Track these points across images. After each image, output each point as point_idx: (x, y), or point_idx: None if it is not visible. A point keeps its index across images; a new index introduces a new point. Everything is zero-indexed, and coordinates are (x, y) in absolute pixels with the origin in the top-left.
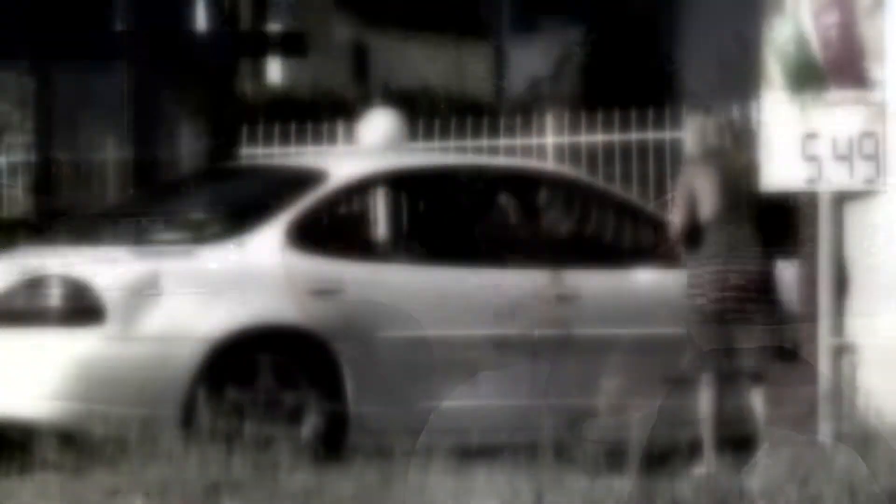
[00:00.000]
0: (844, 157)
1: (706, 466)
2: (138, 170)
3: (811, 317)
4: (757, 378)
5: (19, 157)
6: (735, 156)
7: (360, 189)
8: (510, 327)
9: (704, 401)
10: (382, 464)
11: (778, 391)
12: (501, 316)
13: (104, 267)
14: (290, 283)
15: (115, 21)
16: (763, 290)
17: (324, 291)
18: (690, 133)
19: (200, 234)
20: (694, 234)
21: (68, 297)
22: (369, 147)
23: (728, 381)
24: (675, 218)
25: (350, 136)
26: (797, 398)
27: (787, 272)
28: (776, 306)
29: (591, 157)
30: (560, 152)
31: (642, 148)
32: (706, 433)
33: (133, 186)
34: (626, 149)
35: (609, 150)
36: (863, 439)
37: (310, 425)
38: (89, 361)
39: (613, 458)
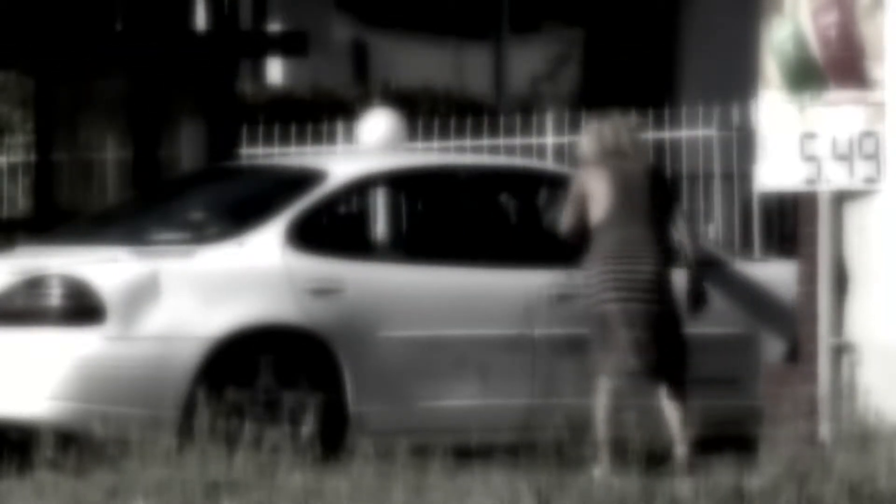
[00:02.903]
0: (844, 157)
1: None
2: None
3: (811, 316)
4: (655, 379)
5: (19, 157)
6: (631, 157)
7: (360, 189)
8: (510, 327)
9: (600, 403)
10: (382, 464)
11: (776, 391)
12: (501, 316)
13: (104, 267)
14: (290, 283)
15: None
16: (657, 291)
17: (324, 291)
18: (586, 135)
19: (200, 234)
20: (587, 235)
21: (68, 297)
22: (369, 147)
23: (627, 382)
24: (566, 219)
25: (350, 136)
26: (797, 398)
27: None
28: (672, 307)
29: None
30: (560, 152)
31: None
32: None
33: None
34: None
35: None
36: (863, 439)
37: (309, 425)
38: (89, 361)
39: (613, 457)
